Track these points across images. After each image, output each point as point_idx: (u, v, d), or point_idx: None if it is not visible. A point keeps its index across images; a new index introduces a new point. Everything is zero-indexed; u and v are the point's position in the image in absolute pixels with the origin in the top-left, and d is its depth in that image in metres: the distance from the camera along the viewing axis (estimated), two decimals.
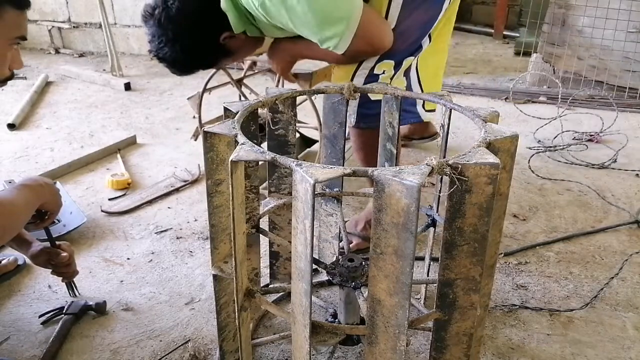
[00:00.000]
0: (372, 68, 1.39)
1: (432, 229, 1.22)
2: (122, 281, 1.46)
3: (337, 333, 0.88)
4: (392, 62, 1.38)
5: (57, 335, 1.22)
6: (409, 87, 1.46)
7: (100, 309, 1.32)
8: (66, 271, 1.31)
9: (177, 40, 1.33)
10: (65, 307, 1.30)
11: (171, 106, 3.08)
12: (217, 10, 1.28)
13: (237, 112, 0.93)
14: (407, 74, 1.45)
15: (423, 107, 1.60)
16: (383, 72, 1.39)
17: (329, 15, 1.14)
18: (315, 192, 0.70)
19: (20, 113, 2.81)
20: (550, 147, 2.42)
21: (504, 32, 5.14)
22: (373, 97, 1.37)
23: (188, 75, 1.54)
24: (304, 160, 0.84)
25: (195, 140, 2.17)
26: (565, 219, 1.80)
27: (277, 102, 1.09)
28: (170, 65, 1.45)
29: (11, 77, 1.12)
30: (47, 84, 3.51)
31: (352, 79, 1.42)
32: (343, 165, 1.17)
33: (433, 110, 1.72)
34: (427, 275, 1.33)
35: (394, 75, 1.41)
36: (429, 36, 1.44)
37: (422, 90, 1.49)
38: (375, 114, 1.20)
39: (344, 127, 1.23)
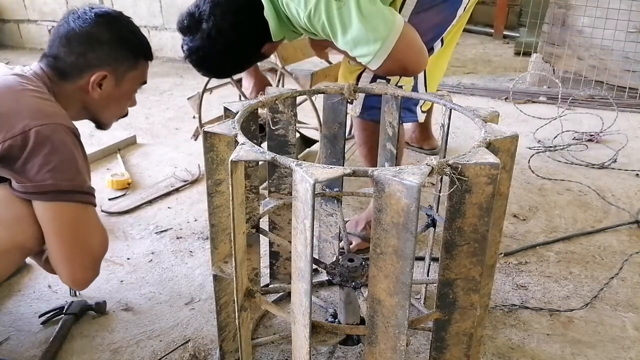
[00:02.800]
0: None
1: (432, 229, 1.22)
2: (122, 281, 1.46)
3: (337, 333, 0.88)
4: None
5: (57, 335, 1.22)
6: (415, 87, 1.46)
7: (100, 309, 1.32)
8: None
9: (226, 53, 1.32)
10: (65, 307, 1.30)
11: (171, 106, 3.08)
12: (261, 19, 1.27)
13: (237, 112, 0.93)
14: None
15: (420, 108, 1.61)
16: None
17: (365, 34, 1.15)
18: (315, 192, 0.70)
19: None
20: (550, 147, 2.42)
21: (504, 32, 5.14)
22: None
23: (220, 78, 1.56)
24: (304, 160, 0.84)
25: (195, 140, 2.17)
26: (565, 219, 1.80)
27: (277, 102, 1.09)
28: (210, 73, 1.47)
29: (127, 114, 1.31)
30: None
31: (359, 76, 1.43)
32: (343, 165, 1.17)
33: (426, 112, 1.73)
34: (427, 275, 1.33)
35: None
36: (442, 40, 1.44)
37: (425, 91, 1.50)
38: (380, 107, 1.20)
39: (344, 127, 1.23)
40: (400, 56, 1.19)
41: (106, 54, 1.15)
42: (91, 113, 1.22)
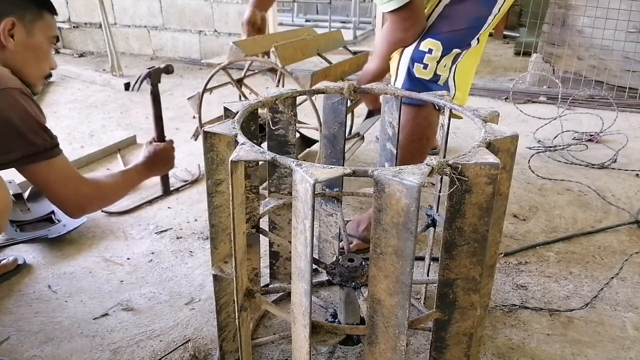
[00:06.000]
0: (418, 44, 1.45)
1: (432, 229, 1.22)
2: (122, 281, 1.46)
3: (337, 333, 0.87)
4: (437, 43, 1.43)
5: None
6: (447, 81, 1.49)
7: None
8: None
9: None
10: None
11: (171, 106, 3.08)
12: None
13: (237, 112, 0.93)
14: (451, 67, 1.48)
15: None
16: (429, 52, 1.43)
17: None
18: (315, 192, 0.70)
19: None
20: (550, 147, 2.42)
21: (504, 32, 5.15)
22: (418, 74, 1.45)
23: None
24: (304, 160, 0.84)
25: (196, 140, 2.17)
26: (565, 219, 1.80)
27: (277, 102, 1.09)
28: None
29: (50, 75, 1.37)
30: (47, 84, 3.51)
31: (401, 54, 1.49)
32: (343, 165, 1.17)
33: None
34: (427, 275, 1.33)
35: (440, 60, 1.44)
36: (478, 39, 1.47)
37: (455, 88, 1.52)
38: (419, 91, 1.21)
39: (344, 127, 1.23)
40: (414, 10, 1.39)
41: (7, 3, 1.20)
42: (15, 71, 1.24)
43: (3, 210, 1.15)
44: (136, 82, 1.63)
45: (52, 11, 1.30)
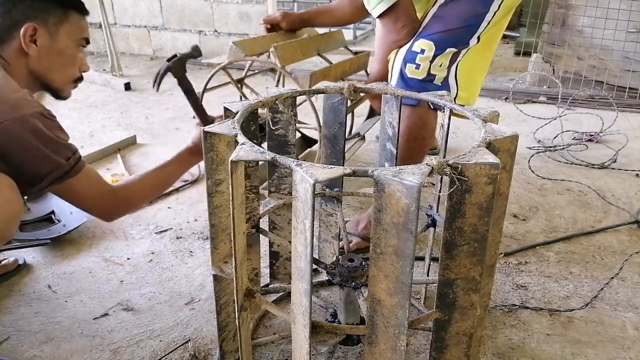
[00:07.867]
0: (411, 45, 1.46)
1: (432, 229, 1.22)
2: (122, 281, 1.46)
3: (337, 333, 0.88)
4: (430, 43, 1.43)
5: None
6: (445, 80, 1.48)
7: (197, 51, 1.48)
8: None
9: None
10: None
11: (171, 106, 3.08)
12: None
13: (237, 112, 0.93)
14: (450, 67, 1.48)
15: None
16: (422, 52, 1.44)
17: None
18: (315, 192, 0.70)
19: None
20: (550, 147, 2.42)
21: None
22: (410, 74, 1.45)
23: None
24: (304, 160, 0.84)
25: None
26: (565, 219, 1.80)
27: (277, 102, 1.09)
28: None
29: (81, 78, 1.28)
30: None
31: (396, 55, 1.50)
32: (343, 165, 1.16)
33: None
34: (427, 275, 1.33)
35: (433, 59, 1.43)
36: (478, 38, 1.46)
37: (457, 88, 1.51)
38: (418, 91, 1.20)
39: (344, 127, 1.23)
40: (403, 11, 1.43)
41: (29, 6, 1.13)
42: (40, 78, 1.19)
43: (13, 214, 1.09)
44: (155, 80, 1.48)
45: (82, 11, 1.21)
